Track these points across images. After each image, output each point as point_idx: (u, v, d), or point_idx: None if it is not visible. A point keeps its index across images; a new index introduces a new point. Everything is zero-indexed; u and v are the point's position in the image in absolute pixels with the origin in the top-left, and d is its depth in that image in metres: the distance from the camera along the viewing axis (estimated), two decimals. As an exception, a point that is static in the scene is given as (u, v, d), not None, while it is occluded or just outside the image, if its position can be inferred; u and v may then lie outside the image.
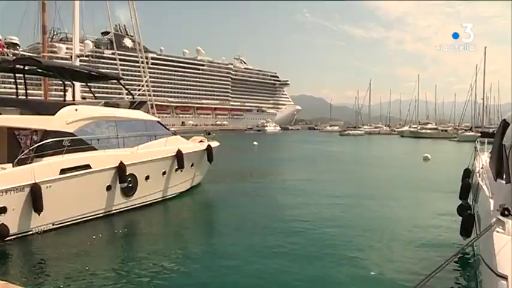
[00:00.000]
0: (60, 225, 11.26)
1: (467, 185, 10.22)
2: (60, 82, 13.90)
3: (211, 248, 10.07)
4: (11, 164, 10.57)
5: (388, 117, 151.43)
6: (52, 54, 36.06)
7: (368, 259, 8.96)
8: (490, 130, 64.87)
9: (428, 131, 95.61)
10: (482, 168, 8.89)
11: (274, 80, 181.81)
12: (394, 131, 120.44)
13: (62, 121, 12.02)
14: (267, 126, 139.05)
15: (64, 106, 12.54)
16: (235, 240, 10.54)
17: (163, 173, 15.35)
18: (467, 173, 11.01)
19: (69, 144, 11.86)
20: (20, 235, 10.29)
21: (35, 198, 10.34)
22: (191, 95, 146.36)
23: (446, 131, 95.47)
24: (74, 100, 16.43)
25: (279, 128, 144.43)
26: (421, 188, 19.04)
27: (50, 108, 12.23)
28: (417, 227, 11.86)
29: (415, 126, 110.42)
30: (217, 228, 12.67)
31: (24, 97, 14.58)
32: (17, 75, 14.44)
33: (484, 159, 10.15)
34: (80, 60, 21.04)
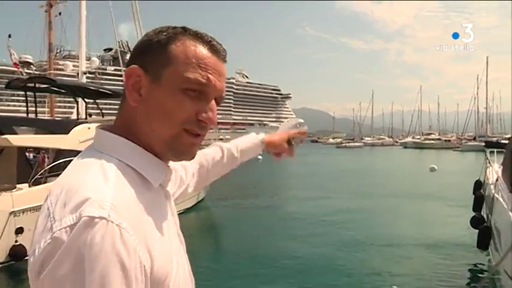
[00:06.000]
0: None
1: (481, 197, 10.13)
2: (65, 99, 13.96)
3: (218, 268, 9.94)
4: (27, 184, 10.62)
5: (390, 129, 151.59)
6: (58, 72, 36.10)
7: (382, 275, 8.87)
8: (494, 139, 64.69)
9: (432, 141, 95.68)
10: (497, 180, 8.84)
11: (276, 94, 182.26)
12: (397, 142, 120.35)
13: (76, 140, 12.00)
14: None
15: (77, 125, 12.54)
16: (239, 262, 10.20)
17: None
18: (479, 185, 10.97)
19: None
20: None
21: (50, 218, 10.33)
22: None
23: (449, 141, 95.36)
24: (86, 118, 16.54)
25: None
26: (430, 199, 18.84)
27: (63, 127, 12.22)
28: (431, 238, 11.75)
29: (418, 137, 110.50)
30: (224, 248, 12.49)
31: (35, 115, 14.65)
32: (27, 93, 14.48)
33: (495, 170, 10.07)
34: (86, 77, 21.22)
